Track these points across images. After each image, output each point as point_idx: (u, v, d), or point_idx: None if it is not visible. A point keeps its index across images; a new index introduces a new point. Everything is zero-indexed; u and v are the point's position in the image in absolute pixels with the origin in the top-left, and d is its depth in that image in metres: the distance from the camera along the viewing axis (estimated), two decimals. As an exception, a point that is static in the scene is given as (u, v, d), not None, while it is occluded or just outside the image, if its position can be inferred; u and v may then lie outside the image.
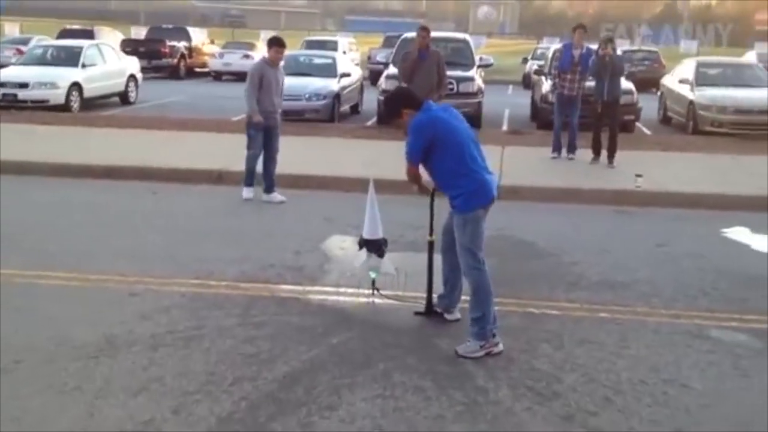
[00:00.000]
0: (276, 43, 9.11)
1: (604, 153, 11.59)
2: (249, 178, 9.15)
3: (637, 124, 15.99)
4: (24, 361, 4.64)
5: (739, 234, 8.36)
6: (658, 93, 18.91)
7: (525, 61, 29.32)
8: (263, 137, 9.07)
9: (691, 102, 15.83)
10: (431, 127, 4.97)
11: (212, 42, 33.27)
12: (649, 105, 17.66)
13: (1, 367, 4.55)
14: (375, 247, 5.67)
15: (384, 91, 15.11)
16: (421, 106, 5.09)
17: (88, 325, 5.20)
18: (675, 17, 66.92)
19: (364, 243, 5.71)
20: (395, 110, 5.17)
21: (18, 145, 11.60)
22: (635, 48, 33.99)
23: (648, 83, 22.71)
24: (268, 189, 9.16)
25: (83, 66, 17.63)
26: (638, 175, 9.94)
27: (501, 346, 4.97)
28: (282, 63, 9.84)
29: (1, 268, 6.27)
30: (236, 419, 4.03)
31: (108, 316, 5.37)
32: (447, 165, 4.96)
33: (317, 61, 18.11)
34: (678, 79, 17.21)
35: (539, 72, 17.13)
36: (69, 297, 5.80)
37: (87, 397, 4.24)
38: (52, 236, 7.44)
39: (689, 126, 15.76)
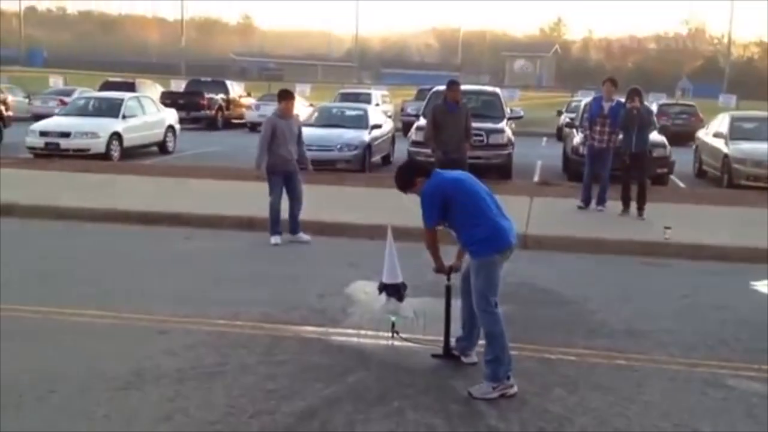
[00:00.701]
0: (284, 96, 9.62)
1: (634, 205, 11.65)
2: (273, 226, 9.49)
3: (672, 177, 16.05)
4: (58, 391, 4.89)
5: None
6: (694, 146, 18.97)
7: (559, 113, 29.54)
8: (283, 183, 9.51)
9: (725, 155, 15.88)
10: (440, 189, 5.23)
11: (249, 94, 34.09)
12: (685, 159, 17.73)
13: (36, 395, 4.80)
14: (394, 291, 5.84)
15: (414, 142, 15.44)
16: (430, 174, 5.36)
17: (118, 360, 5.43)
18: (716, 71, 66.86)
19: (383, 287, 5.89)
20: (409, 180, 5.45)
21: (59, 192, 12.07)
22: (672, 101, 34.11)
23: (685, 137, 22.81)
24: (293, 230, 9.57)
25: (124, 117, 18.26)
26: (667, 227, 9.99)
27: (515, 389, 5.08)
28: (296, 113, 10.30)
29: (42, 305, 6.59)
30: (254, 451, 4.19)
31: (137, 352, 5.60)
32: (463, 219, 5.19)
33: (349, 112, 18.53)
34: (713, 132, 17.31)
35: (571, 125, 17.32)
36: (102, 333, 6.05)
37: (115, 425, 4.46)
38: (89, 277, 7.74)
39: (724, 179, 15.79)
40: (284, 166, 9.44)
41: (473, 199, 5.20)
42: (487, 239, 5.14)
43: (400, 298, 5.85)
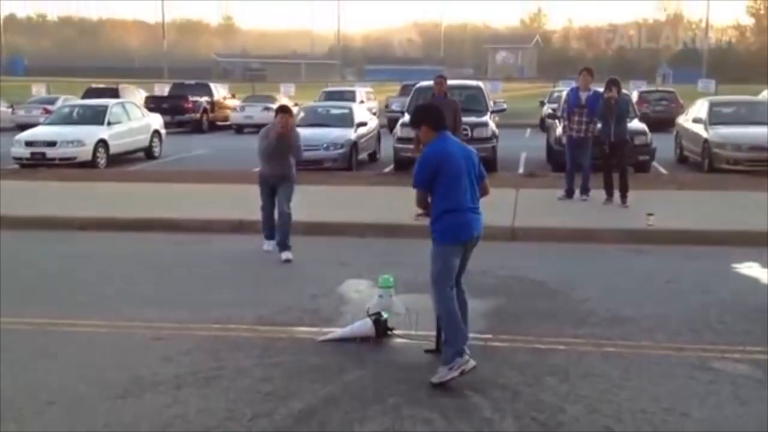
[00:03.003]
0: (280, 111, 9.04)
1: (617, 193, 11.79)
2: (264, 231, 9.30)
3: (654, 163, 16.21)
4: (57, 402, 4.96)
5: (750, 269, 8.50)
6: (674, 132, 19.16)
7: (542, 104, 29.68)
8: (269, 192, 9.14)
9: (705, 141, 16.05)
10: (436, 158, 5.35)
11: (233, 96, 34.07)
12: (666, 145, 17.89)
13: (36, 408, 4.87)
14: (382, 326, 6.09)
15: (399, 139, 15.54)
16: (437, 130, 5.45)
17: (116, 368, 5.51)
18: (695, 56, 67.20)
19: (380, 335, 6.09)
20: (417, 121, 5.59)
21: (47, 201, 12.11)
22: (652, 89, 34.29)
23: (665, 123, 23.00)
24: (279, 244, 8.99)
25: (109, 124, 18.28)
26: (649, 214, 10.14)
27: (471, 363, 5.22)
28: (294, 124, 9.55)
29: (36, 317, 6.64)
30: (254, 452, 4.28)
31: (134, 359, 5.68)
32: (439, 193, 5.32)
33: (334, 111, 18.61)
34: (692, 118, 17.47)
35: (553, 115, 17.46)
36: (98, 343, 6.12)
37: (115, 434, 4.52)
38: (82, 287, 7.80)
39: (705, 164, 15.97)
40: (273, 176, 9.06)
41: (454, 181, 5.32)
42: (451, 228, 5.33)
43: (385, 322, 6.07)
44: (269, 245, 9.23)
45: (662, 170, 16.50)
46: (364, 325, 6.04)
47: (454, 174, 5.32)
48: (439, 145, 5.42)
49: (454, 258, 5.36)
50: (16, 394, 5.07)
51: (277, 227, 9.07)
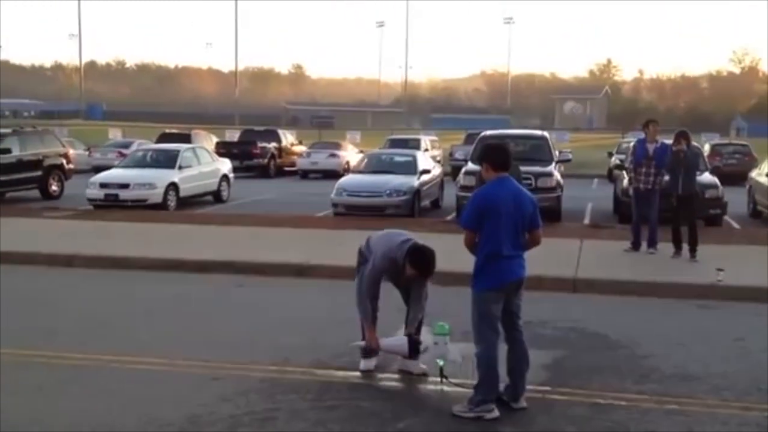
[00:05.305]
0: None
1: (686, 247, 11.52)
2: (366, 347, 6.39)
3: (726, 218, 15.81)
4: (114, 438, 5.05)
5: (823, 329, 8.17)
6: (747, 186, 18.69)
7: (610, 155, 29.40)
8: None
9: (778, 195, 15.62)
10: (483, 202, 5.43)
11: (300, 142, 34.70)
12: (739, 199, 17.46)
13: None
14: (416, 348, 6.19)
15: (462, 187, 15.54)
16: (497, 170, 5.51)
17: (173, 406, 5.59)
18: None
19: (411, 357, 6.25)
20: (479, 158, 5.80)
21: (118, 242, 12.46)
22: (725, 141, 33.66)
23: (738, 177, 22.42)
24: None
25: (180, 168, 18.78)
26: (719, 269, 9.85)
27: (494, 414, 5.32)
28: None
29: (100, 354, 6.81)
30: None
31: (191, 398, 5.76)
32: (481, 241, 5.40)
33: (398, 158, 18.76)
34: (765, 172, 17.04)
35: (620, 166, 17.25)
36: (157, 380, 6.23)
37: (170, 471, 4.57)
38: (145, 325, 7.98)
39: (778, 220, 15.51)
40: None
41: (497, 227, 5.37)
42: (486, 275, 5.40)
43: (418, 346, 6.14)
44: (369, 363, 6.49)
45: (734, 225, 16.07)
46: (398, 341, 6.17)
47: (499, 220, 5.35)
48: (490, 188, 5.49)
49: (492, 304, 5.40)
50: (78, 427, 5.18)
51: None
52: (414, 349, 6.14)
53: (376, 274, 6.21)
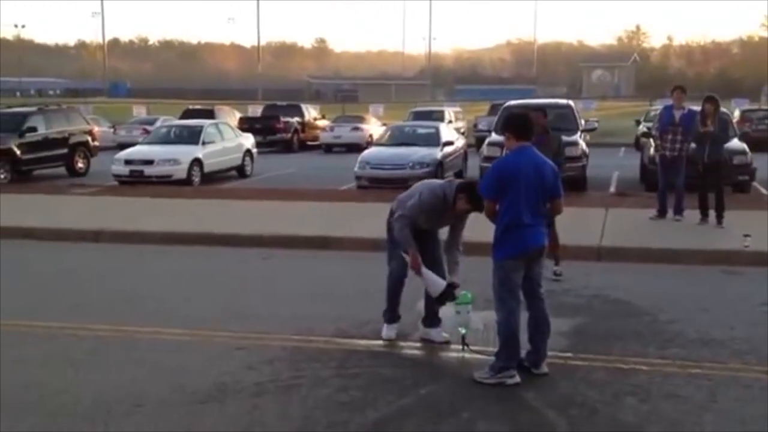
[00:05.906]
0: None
1: (713, 214, 11.41)
2: (389, 311, 6.58)
3: (755, 184, 15.63)
4: (143, 405, 5.16)
5: None
6: (777, 152, 18.43)
7: (638, 123, 29.05)
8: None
9: (807, 160, 15.38)
10: (503, 172, 5.46)
11: (323, 117, 34.66)
12: (768, 165, 17.23)
13: (123, 410, 5.09)
14: (447, 296, 6.03)
15: (486, 158, 15.47)
16: (519, 140, 5.51)
17: (199, 375, 5.69)
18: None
19: (438, 301, 6.11)
20: (502, 127, 5.86)
21: (144, 217, 12.61)
22: (755, 107, 33.17)
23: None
24: (428, 321, 6.51)
25: (203, 143, 18.90)
26: (746, 235, 9.76)
27: (515, 379, 5.36)
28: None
29: (127, 325, 6.93)
30: (328, 460, 4.34)
31: (217, 367, 5.85)
32: (501, 211, 5.42)
33: (421, 131, 18.69)
34: (795, 137, 16.79)
35: (647, 134, 17.05)
36: (183, 350, 6.33)
37: (196, 437, 4.67)
38: (171, 298, 8.10)
39: (808, 185, 15.29)
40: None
41: (517, 197, 5.37)
42: (505, 244, 5.43)
43: (453, 297, 6.00)
44: (391, 331, 6.59)
45: (763, 191, 15.88)
46: (438, 281, 6.11)
47: (519, 189, 5.36)
48: (510, 158, 5.52)
49: (512, 272, 5.44)
50: (104, 397, 5.30)
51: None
52: (446, 296, 6.04)
53: (424, 205, 6.20)
